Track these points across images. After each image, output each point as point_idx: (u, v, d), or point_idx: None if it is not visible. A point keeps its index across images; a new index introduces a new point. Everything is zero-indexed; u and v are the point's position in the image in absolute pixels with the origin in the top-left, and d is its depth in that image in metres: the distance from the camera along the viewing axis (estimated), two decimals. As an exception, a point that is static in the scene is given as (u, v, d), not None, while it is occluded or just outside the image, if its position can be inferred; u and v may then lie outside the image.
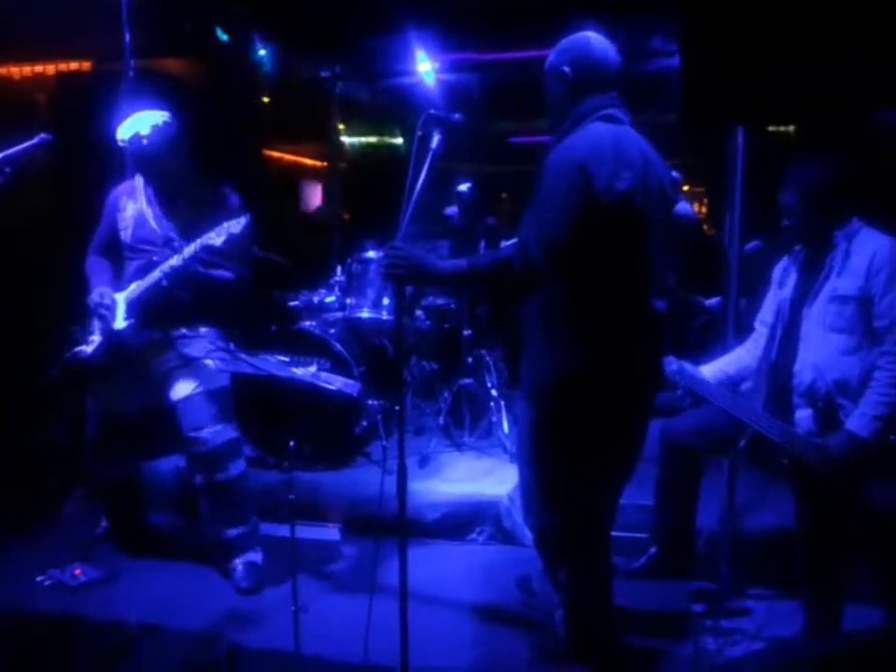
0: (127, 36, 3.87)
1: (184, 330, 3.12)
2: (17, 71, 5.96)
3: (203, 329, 3.14)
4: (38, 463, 3.76)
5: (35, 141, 2.73)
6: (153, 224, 3.10)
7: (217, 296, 3.09)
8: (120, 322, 3.02)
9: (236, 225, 2.82)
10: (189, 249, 2.88)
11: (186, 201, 3.13)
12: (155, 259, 3.02)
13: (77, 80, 5.83)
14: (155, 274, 2.97)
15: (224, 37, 5.94)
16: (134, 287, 3.04)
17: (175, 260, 2.92)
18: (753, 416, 2.59)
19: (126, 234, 3.14)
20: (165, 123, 3.07)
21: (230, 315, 3.24)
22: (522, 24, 4.74)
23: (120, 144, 3.09)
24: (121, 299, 3.06)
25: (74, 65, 5.89)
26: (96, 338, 3.10)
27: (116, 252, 3.19)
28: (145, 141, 3.03)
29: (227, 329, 3.25)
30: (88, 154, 4.37)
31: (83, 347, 3.11)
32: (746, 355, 2.85)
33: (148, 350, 3.10)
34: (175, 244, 2.99)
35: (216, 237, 2.82)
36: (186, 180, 3.15)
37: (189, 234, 2.96)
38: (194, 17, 5.73)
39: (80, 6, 4.47)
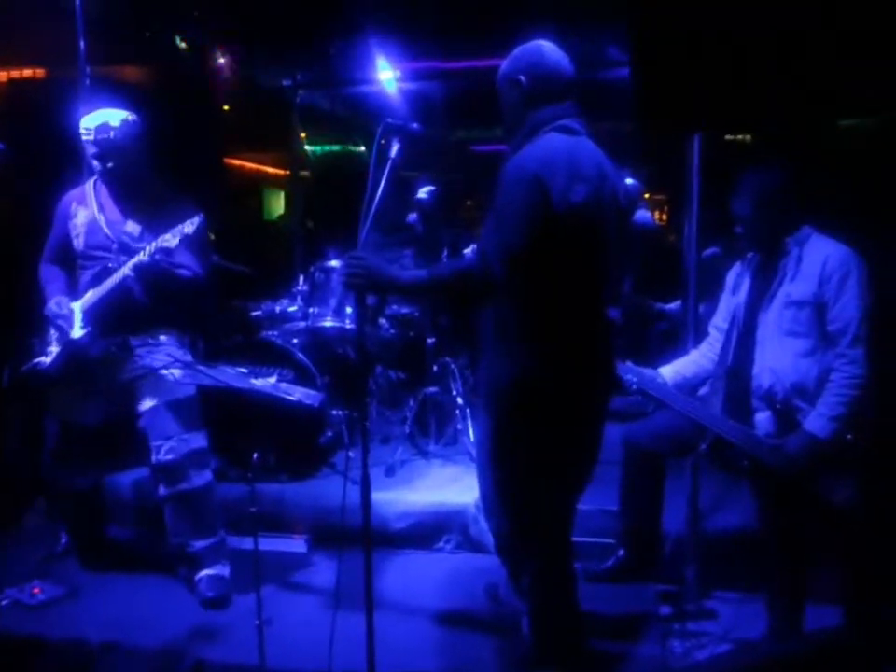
0: (82, 43, 3.81)
1: (145, 339, 3.07)
2: (-30, 78, 5.84)
3: (162, 337, 3.10)
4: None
5: (-14, 149, 2.68)
6: (106, 230, 3.04)
7: (175, 297, 3.05)
8: (77, 331, 2.97)
9: (189, 226, 2.79)
10: (149, 249, 2.83)
11: (144, 200, 3.09)
12: (110, 265, 2.96)
13: (30, 87, 5.73)
14: (118, 276, 2.91)
15: (182, 45, 5.88)
16: (91, 295, 2.99)
17: (141, 256, 2.85)
18: (712, 420, 2.63)
19: (78, 242, 3.08)
20: (133, 120, 3.06)
21: (188, 320, 3.20)
22: (483, 33, 4.76)
23: (85, 135, 3.02)
24: (77, 307, 3.00)
25: (27, 72, 5.79)
26: (54, 348, 3.04)
27: (69, 260, 3.14)
28: (112, 133, 2.98)
29: (186, 334, 3.21)
30: (41, 162, 4.29)
31: (41, 359, 3.05)
32: (701, 357, 2.89)
33: (108, 359, 3.04)
34: (133, 246, 2.94)
35: (171, 238, 2.79)
36: (145, 180, 3.12)
37: (146, 234, 2.94)
38: (152, 24, 5.67)
39: (33, 11, 4.40)
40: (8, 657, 2.80)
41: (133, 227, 3.05)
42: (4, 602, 3.02)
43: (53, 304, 3.02)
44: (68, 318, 2.99)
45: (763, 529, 2.71)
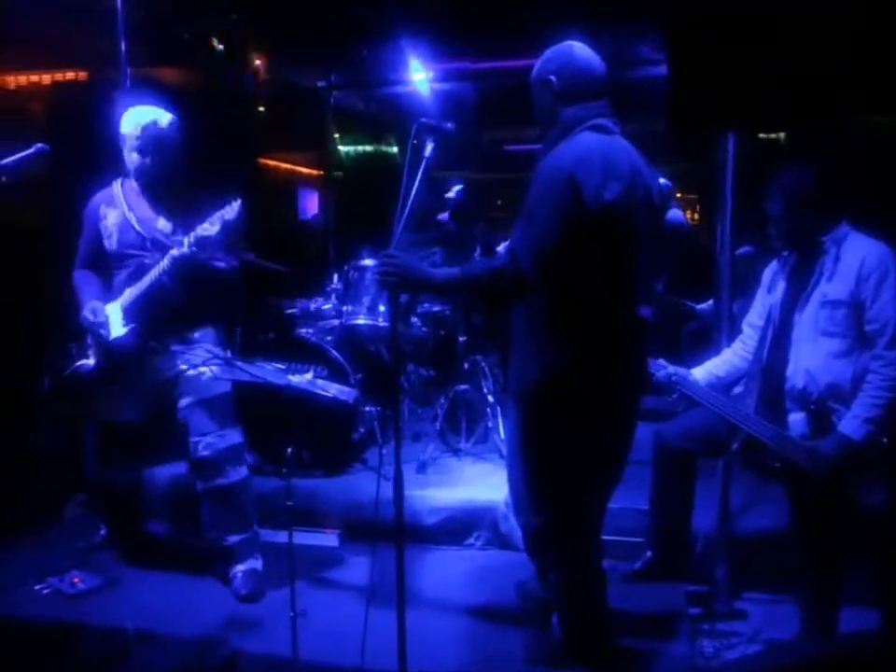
0: (123, 45, 3.89)
1: (182, 336, 3.10)
2: (12, 80, 5.96)
3: (198, 335, 3.14)
4: (37, 468, 3.76)
5: (31, 151, 2.73)
6: (138, 228, 3.06)
7: (210, 292, 3.08)
8: (119, 329, 3.00)
9: (230, 211, 2.80)
10: (189, 238, 2.85)
11: (174, 200, 3.11)
12: (146, 262, 2.99)
13: (72, 89, 5.84)
14: (156, 271, 2.94)
15: (220, 47, 5.97)
16: (129, 293, 3.02)
17: (177, 251, 2.87)
18: (745, 420, 2.61)
19: (111, 242, 3.09)
20: (176, 119, 3.11)
21: (224, 314, 3.25)
22: (514, 33, 4.77)
23: (133, 129, 3.03)
24: (116, 308, 3.04)
25: (70, 74, 5.90)
26: (93, 351, 3.10)
27: (102, 263, 3.16)
28: (160, 129, 3.02)
29: (222, 330, 3.25)
30: (83, 164, 4.39)
31: (84, 361, 3.10)
32: (734, 356, 2.87)
33: (147, 359, 3.09)
34: (165, 243, 2.96)
35: (210, 227, 2.80)
36: (178, 181, 3.15)
37: (178, 231, 2.97)
38: (191, 26, 5.76)
39: (76, 15, 4.49)
40: (49, 643, 2.87)
41: (164, 224, 3.07)
42: (45, 591, 3.09)
43: (88, 312, 3.04)
44: (104, 324, 3.01)
45: (794, 531, 2.68)
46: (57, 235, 4.19)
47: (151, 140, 3.04)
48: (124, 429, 3.13)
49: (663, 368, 2.73)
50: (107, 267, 3.15)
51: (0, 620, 2.91)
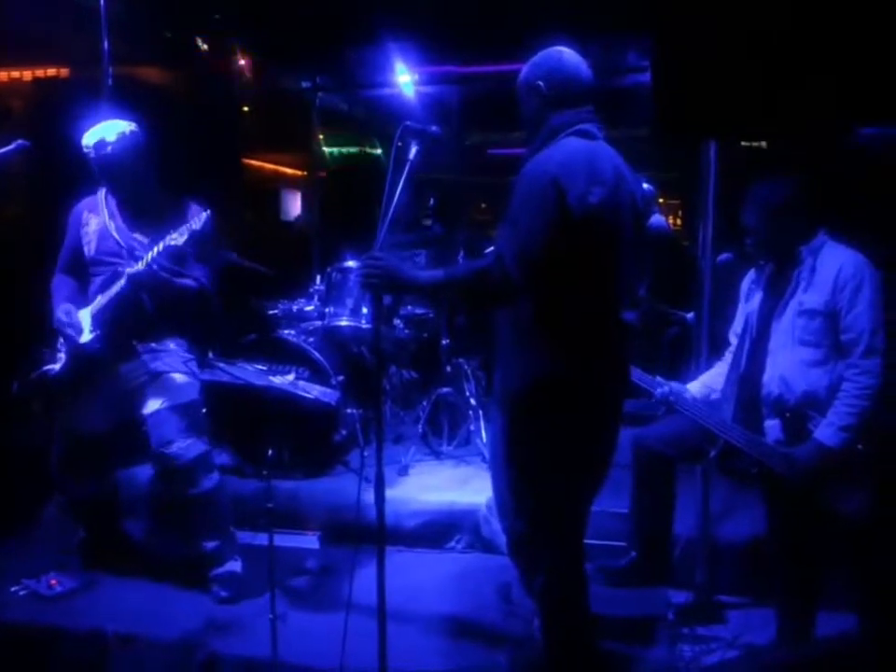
0: (105, 44, 3.86)
1: (152, 345, 3.08)
2: (-7, 76, 5.91)
3: (171, 345, 3.11)
4: (14, 468, 3.72)
5: (12, 147, 2.72)
6: (116, 236, 3.04)
7: (182, 306, 3.06)
8: (86, 335, 2.98)
9: (197, 221, 2.78)
10: (152, 253, 2.84)
11: (149, 211, 3.09)
12: (119, 269, 2.97)
13: (54, 87, 5.79)
14: (119, 282, 2.93)
15: (204, 46, 5.94)
16: (100, 299, 3.00)
17: (139, 265, 2.87)
18: (721, 426, 2.64)
19: (90, 249, 3.08)
20: (132, 132, 3.04)
21: (197, 327, 3.21)
22: (500, 38, 4.79)
23: (85, 150, 3.04)
24: (87, 313, 3.01)
25: (51, 71, 5.85)
26: (63, 356, 3.07)
27: (81, 269, 3.14)
28: (109, 148, 2.98)
29: (194, 341, 3.21)
30: (65, 161, 4.35)
31: (51, 366, 3.07)
32: (726, 368, 2.89)
33: (116, 364, 3.06)
34: (138, 253, 2.94)
35: (178, 237, 2.78)
36: (149, 191, 3.11)
37: (153, 245, 2.93)
38: (174, 25, 5.73)
39: (59, 12, 4.45)
40: (25, 647, 2.84)
41: (140, 235, 3.05)
42: (22, 592, 3.06)
43: (61, 313, 3.02)
44: (76, 326, 2.99)
45: (772, 536, 2.71)
46: (38, 231, 4.16)
47: (100, 159, 3.02)
48: (91, 440, 3.08)
49: (660, 385, 2.75)
50: (86, 273, 3.13)
51: (-25, 622, 2.88)
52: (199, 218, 2.80)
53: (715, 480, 3.06)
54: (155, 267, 2.86)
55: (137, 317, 3.02)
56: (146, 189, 3.11)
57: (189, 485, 2.98)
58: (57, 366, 3.07)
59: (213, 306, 3.22)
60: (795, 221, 2.60)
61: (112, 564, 3.29)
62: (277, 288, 4.81)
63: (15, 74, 5.87)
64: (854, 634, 2.57)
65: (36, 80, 5.84)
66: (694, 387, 2.86)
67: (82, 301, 3.09)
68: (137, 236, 3.05)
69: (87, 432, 3.08)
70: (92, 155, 3.03)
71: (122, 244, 3.03)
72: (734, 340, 2.89)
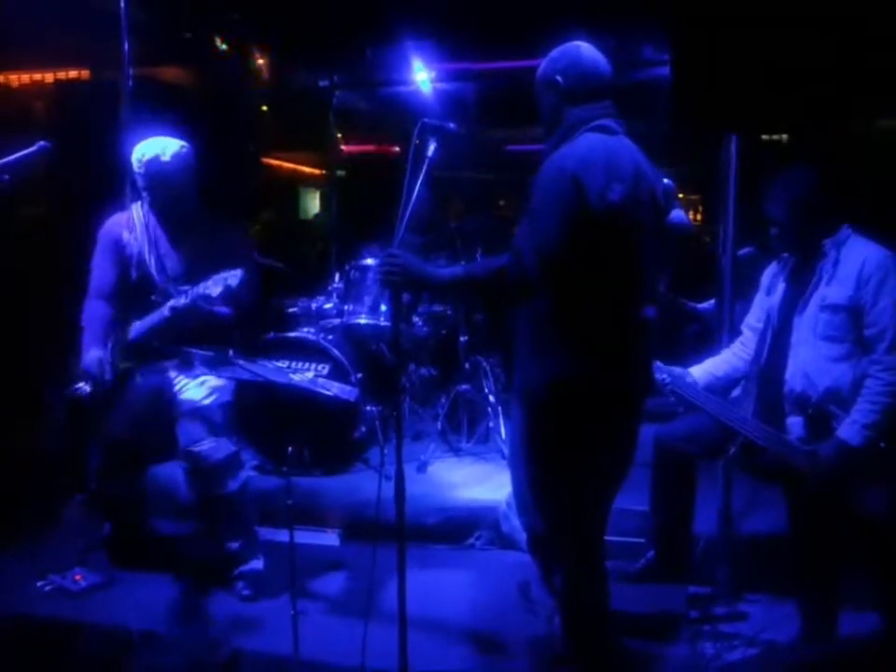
0: (126, 45, 3.89)
1: (179, 360, 3.08)
2: (15, 79, 5.97)
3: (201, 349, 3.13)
4: (37, 468, 3.76)
5: (33, 148, 2.73)
6: (153, 263, 3.05)
7: (216, 329, 3.06)
8: (116, 368, 3.02)
9: (233, 278, 2.76)
10: (194, 292, 2.84)
11: (192, 233, 3.09)
12: (153, 297, 2.98)
13: (75, 88, 5.85)
14: (157, 314, 2.95)
15: (223, 46, 5.97)
16: (135, 326, 3.02)
17: (180, 300, 2.89)
18: (742, 423, 2.61)
19: (133, 272, 3.08)
20: (186, 151, 3.04)
21: (234, 338, 3.21)
22: (516, 34, 4.77)
23: (136, 164, 3.03)
24: (125, 336, 3.04)
25: (72, 73, 5.91)
26: (88, 387, 3.06)
27: (121, 291, 3.12)
28: (166, 165, 2.98)
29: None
30: (86, 162, 4.39)
31: (82, 385, 3.05)
32: (732, 357, 2.87)
33: (153, 383, 3.10)
34: (173, 286, 2.96)
35: (213, 287, 2.78)
36: (194, 213, 3.12)
37: (192, 273, 2.94)
38: (193, 26, 5.76)
39: (79, 14, 4.50)
40: (50, 641, 2.87)
41: (178, 263, 3.05)
42: (47, 588, 3.09)
43: (92, 362, 3.01)
44: (104, 379, 3.00)
45: (793, 533, 2.69)
46: (60, 232, 4.20)
47: (153, 176, 3.01)
48: (128, 443, 3.10)
49: (659, 371, 2.73)
50: (126, 294, 3.11)
51: (2, 616, 2.91)
52: (234, 275, 2.76)
53: (736, 477, 3.04)
54: (198, 302, 2.86)
55: (179, 337, 3.01)
56: (192, 210, 3.11)
57: (216, 485, 2.99)
58: (88, 387, 3.05)
59: (253, 313, 3.23)
60: (820, 213, 2.57)
61: (136, 560, 3.32)
62: (296, 286, 4.84)
63: (37, 76, 5.94)
64: (876, 632, 2.54)
65: (58, 82, 5.90)
66: (696, 372, 2.83)
67: (115, 330, 3.08)
68: (169, 269, 3.04)
69: (124, 439, 3.08)
70: (144, 170, 3.01)
71: (161, 270, 3.04)
72: (745, 331, 2.87)
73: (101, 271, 3.14)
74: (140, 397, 3.10)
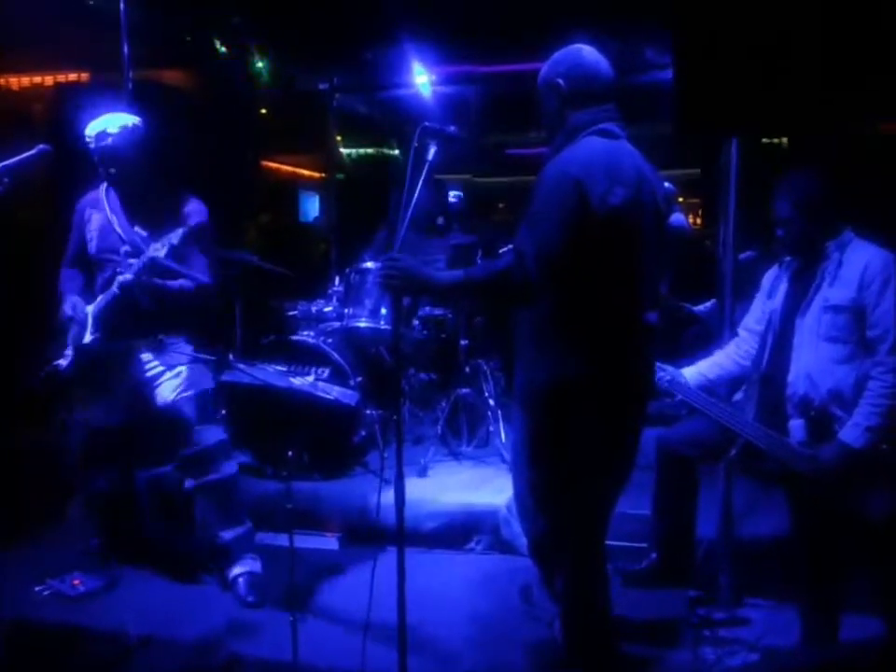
0: (125, 47, 3.89)
1: (155, 340, 3.10)
2: (15, 81, 5.98)
3: (173, 339, 3.12)
4: (37, 468, 3.75)
5: (33, 152, 2.73)
6: (119, 231, 3.07)
7: (181, 305, 3.07)
8: (87, 336, 3.02)
9: (175, 236, 2.79)
10: (138, 264, 2.87)
11: (149, 205, 3.10)
12: (118, 269, 2.99)
13: (74, 91, 5.85)
14: (112, 290, 2.96)
15: (222, 49, 5.98)
16: (99, 300, 3.03)
17: (126, 276, 2.90)
18: (743, 426, 2.61)
19: (92, 246, 3.12)
20: (134, 125, 3.06)
21: (198, 324, 3.22)
22: (517, 37, 4.78)
23: (87, 140, 3.06)
24: (89, 311, 3.05)
25: (72, 76, 5.92)
26: (69, 352, 3.09)
27: (86, 265, 3.18)
28: (110, 140, 3.00)
29: (197, 337, 3.22)
30: (85, 165, 4.38)
31: (59, 361, 3.08)
32: (726, 359, 2.86)
33: (123, 361, 3.09)
34: (142, 249, 2.95)
35: (159, 249, 2.80)
36: (149, 185, 3.12)
37: (151, 240, 2.93)
38: (193, 28, 5.77)
39: (79, 16, 4.50)
40: (49, 646, 2.86)
41: (135, 237, 3.05)
42: (45, 592, 3.08)
43: (68, 306, 3.06)
44: (82, 321, 3.03)
45: (795, 537, 2.68)
46: (60, 236, 4.19)
47: (101, 150, 3.03)
48: (108, 433, 3.11)
49: (660, 370, 2.72)
50: (90, 269, 3.17)
51: (0, 621, 2.90)
52: (176, 233, 2.79)
53: (738, 481, 3.03)
54: (142, 276, 2.87)
55: (137, 317, 3.01)
56: (145, 182, 3.11)
57: (208, 471, 3.01)
58: (64, 361, 3.08)
59: (214, 298, 3.22)
60: (826, 214, 2.58)
61: (134, 564, 3.31)
62: (296, 290, 4.83)
63: (36, 79, 5.95)
64: (879, 637, 2.53)
65: (57, 85, 5.91)
66: (689, 372, 2.83)
67: (89, 295, 3.12)
68: (138, 230, 3.04)
69: (101, 425, 3.11)
70: (93, 146, 3.05)
71: (125, 238, 3.05)
72: (742, 333, 2.87)
73: (70, 244, 3.23)
74: (110, 379, 3.09)
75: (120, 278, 2.92)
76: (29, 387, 3.15)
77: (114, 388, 3.10)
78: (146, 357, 3.10)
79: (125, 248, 3.03)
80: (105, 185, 3.19)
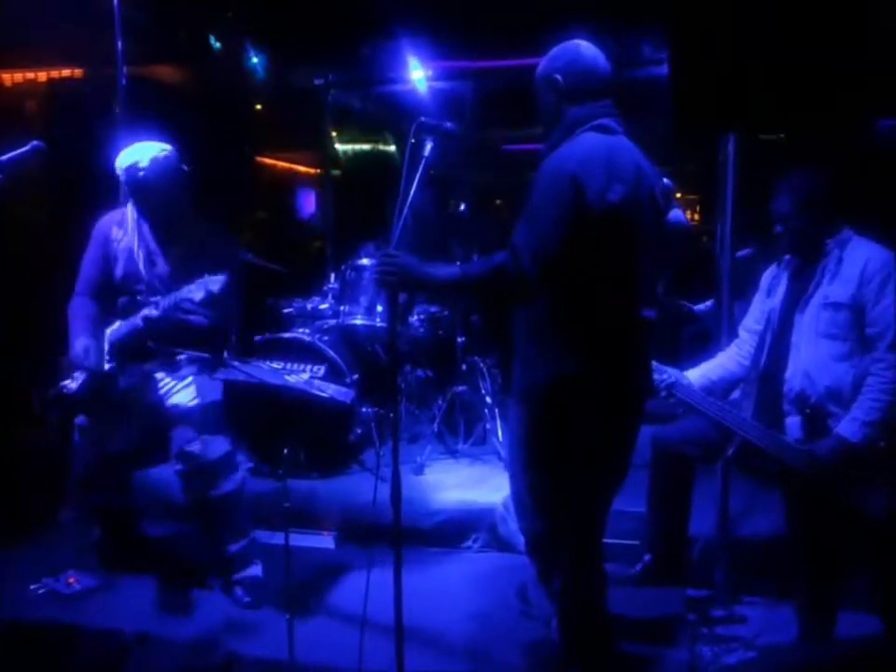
0: (119, 43, 3.87)
1: (165, 366, 3.08)
2: (8, 77, 5.94)
3: (181, 358, 3.10)
4: (33, 468, 3.74)
5: (27, 148, 2.70)
6: (142, 262, 3.03)
7: (192, 337, 3.02)
8: (104, 364, 2.99)
9: (215, 283, 2.72)
10: (168, 301, 2.83)
11: (180, 240, 3.06)
12: (139, 298, 2.96)
13: (68, 87, 5.82)
14: (135, 320, 2.93)
15: (217, 45, 5.95)
16: (118, 325, 3.00)
17: (152, 311, 2.87)
18: (740, 424, 2.61)
19: (118, 268, 3.06)
20: (165, 156, 2.99)
21: (208, 348, 3.15)
22: (514, 32, 4.76)
23: (117, 172, 3.01)
24: (106, 336, 3.02)
25: (66, 72, 5.88)
26: (80, 374, 3.02)
27: (105, 287, 3.10)
28: (142, 173, 2.94)
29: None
30: (79, 162, 4.36)
31: (68, 382, 3.02)
32: (728, 360, 2.86)
33: (140, 386, 3.07)
34: (160, 285, 2.94)
35: (196, 292, 2.74)
36: (181, 217, 3.08)
37: (178, 277, 2.90)
38: (187, 24, 5.74)
39: (73, 13, 4.47)
40: (44, 645, 2.85)
41: (164, 265, 3.03)
42: (41, 591, 3.07)
43: (80, 349, 2.97)
44: (93, 367, 2.97)
45: (791, 534, 2.68)
46: (54, 232, 4.17)
47: (132, 183, 2.99)
48: (116, 455, 3.07)
49: (659, 372, 2.72)
50: (110, 292, 3.09)
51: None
52: (217, 280, 2.72)
53: (735, 479, 3.02)
54: (168, 313, 2.84)
55: (148, 344, 3.00)
56: (177, 215, 3.07)
57: (210, 486, 2.96)
58: (74, 384, 3.01)
59: (229, 333, 3.19)
60: (827, 212, 2.58)
61: (130, 564, 3.29)
62: (291, 287, 4.81)
63: (30, 75, 5.91)
64: (876, 634, 2.54)
65: (51, 81, 5.87)
66: (693, 375, 2.83)
67: (100, 327, 3.06)
68: (159, 267, 3.02)
69: (116, 450, 3.06)
70: (124, 178, 3.00)
71: (145, 273, 3.02)
72: (743, 333, 2.87)
73: (89, 266, 3.13)
74: (127, 405, 3.06)
75: (146, 311, 2.88)
76: (36, 408, 3.10)
77: (131, 414, 3.06)
78: (159, 375, 3.08)
79: (145, 284, 3.00)
80: (130, 205, 3.12)
